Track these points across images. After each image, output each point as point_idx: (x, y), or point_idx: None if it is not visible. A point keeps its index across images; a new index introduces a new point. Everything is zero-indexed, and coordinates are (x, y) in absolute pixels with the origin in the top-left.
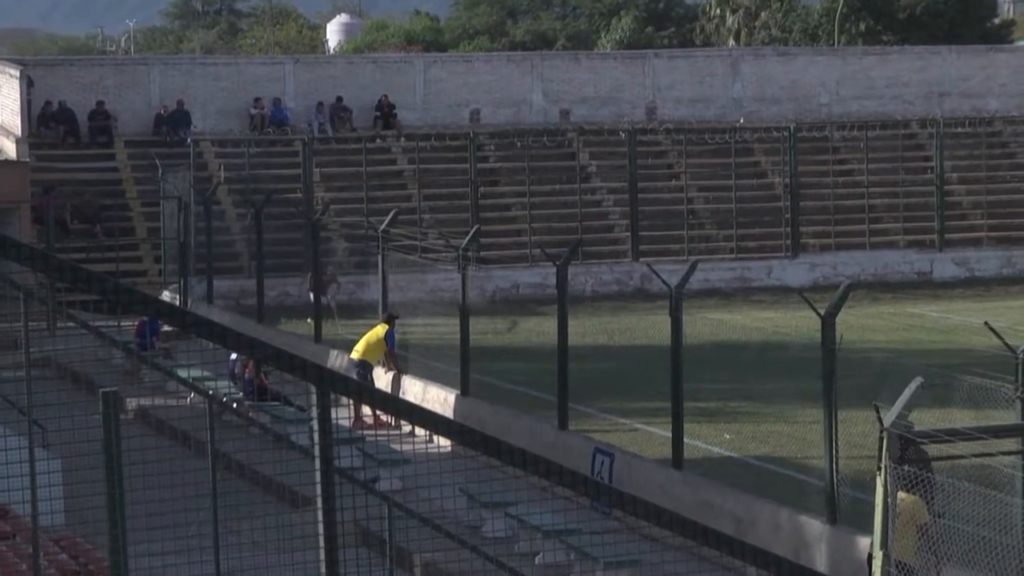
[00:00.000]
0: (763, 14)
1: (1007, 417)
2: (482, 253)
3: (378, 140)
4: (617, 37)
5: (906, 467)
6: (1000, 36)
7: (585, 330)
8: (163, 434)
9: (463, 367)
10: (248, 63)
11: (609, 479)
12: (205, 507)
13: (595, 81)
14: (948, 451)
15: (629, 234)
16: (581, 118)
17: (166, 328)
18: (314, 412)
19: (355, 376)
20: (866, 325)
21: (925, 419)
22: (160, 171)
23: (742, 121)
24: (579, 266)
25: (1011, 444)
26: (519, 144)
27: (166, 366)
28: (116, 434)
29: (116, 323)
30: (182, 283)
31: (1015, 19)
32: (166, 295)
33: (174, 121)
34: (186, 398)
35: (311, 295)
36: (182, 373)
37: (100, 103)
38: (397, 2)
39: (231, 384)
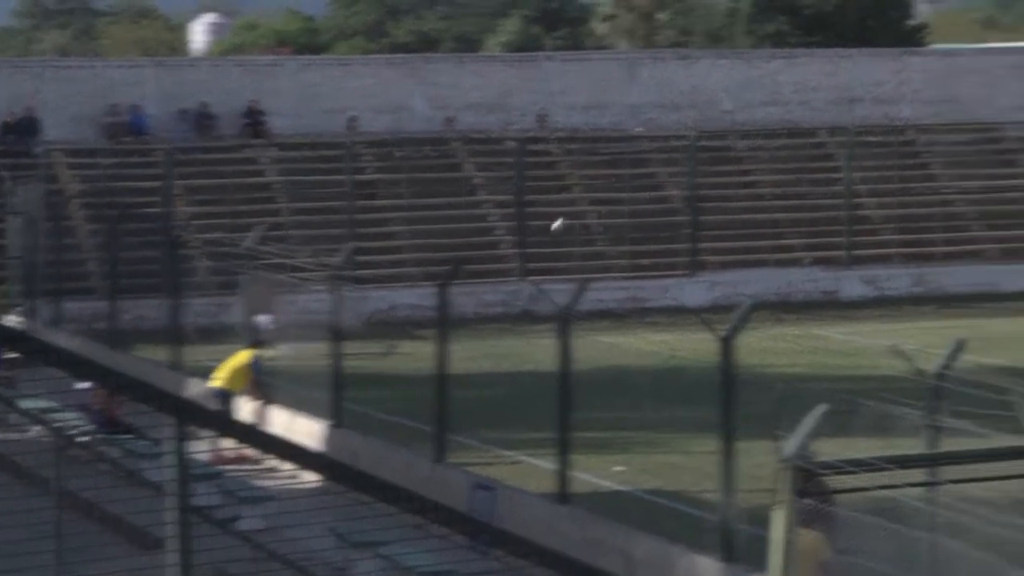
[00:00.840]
0: (661, 15)
1: (915, 446)
2: (357, 272)
3: (246, 149)
4: (505, 39)
5: (807, 501)
6: (914, 39)
7: (468, 355)
8: (3, 470)
9: (335, 395)
10: (105, 66)
11: (489, 516)
12: (48, 550)
13: (482, 86)
14: (852, 483)
15: (516, 251)
16: (467, 126)
17: (9, 355)
18: (170, 446)
19: (216, 406)
20: (768, 348)
21: (828, 449)
22: (5, 184)
23: (640, 129)
24: (462, 286)
25: (918, 475)
26: (399, 154)
27: (8, 396)
28: None
29: None
30: (29, 306)
31: (928, 22)
32: (11, 319)
33: (22, 129)
34: (29, 431)
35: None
36: (25, 404)
37: None
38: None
39: (79, 416)
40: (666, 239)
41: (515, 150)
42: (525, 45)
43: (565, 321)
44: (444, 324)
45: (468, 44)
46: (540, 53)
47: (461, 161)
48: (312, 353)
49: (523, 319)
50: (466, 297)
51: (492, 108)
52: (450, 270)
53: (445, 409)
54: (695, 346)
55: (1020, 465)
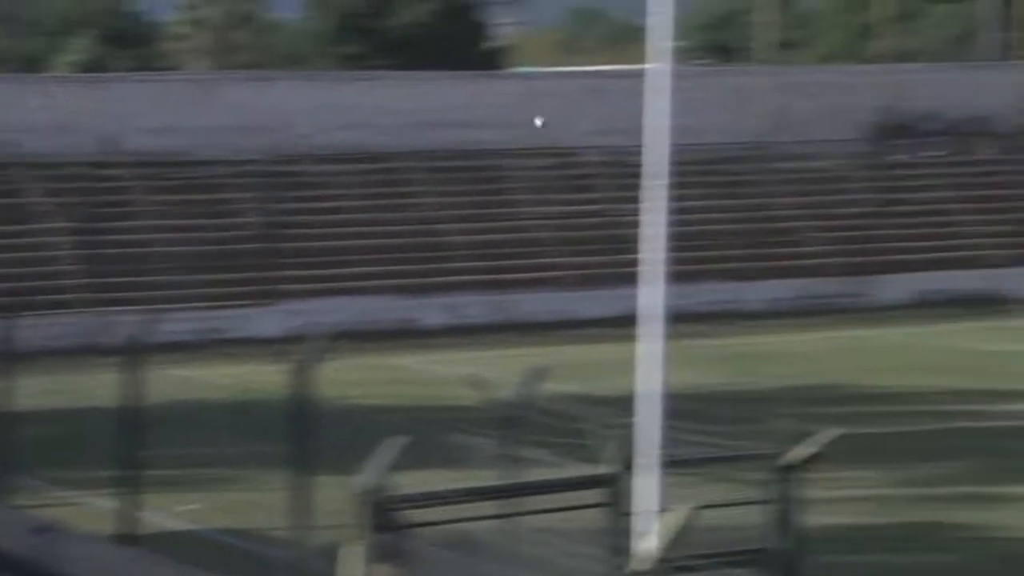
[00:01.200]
0: (237, 35)
1: (494, 477)
2: None
3: None
4: (73, 59)
5: (382, 536)
6: (496, 62)
7: (30, 390)
8: None
9: None
10: None
11: (50, 560)
12: None
13: (48, 107)
14: (428, 516)
15: (84, 281)
16: (31, 150)
17: None
18: None
19: None
20: (347, 379)
21: (408, 481)
22: None
23: (217, 154)
24: (26, 318)
25: (495, 507)
26: None
27: None
28: None
29: None
30: None
31: (512, 43)
32: None
33: None
34: None
35: None
36: None
37: None
38: None
39: None
40: (243, 267)
41: (83, 175)
42: (95, 65)
43: (135, 354)
44: (6, 359)
45: (33, 64)
46: (111, 74)
47: (24, 187)
48: None
49: (91, 352)
50: (30, 330)
51: (60, 131)
52: (11, 302)
53: (2, 448)
54: (271, 378)
55: (594, 494)
